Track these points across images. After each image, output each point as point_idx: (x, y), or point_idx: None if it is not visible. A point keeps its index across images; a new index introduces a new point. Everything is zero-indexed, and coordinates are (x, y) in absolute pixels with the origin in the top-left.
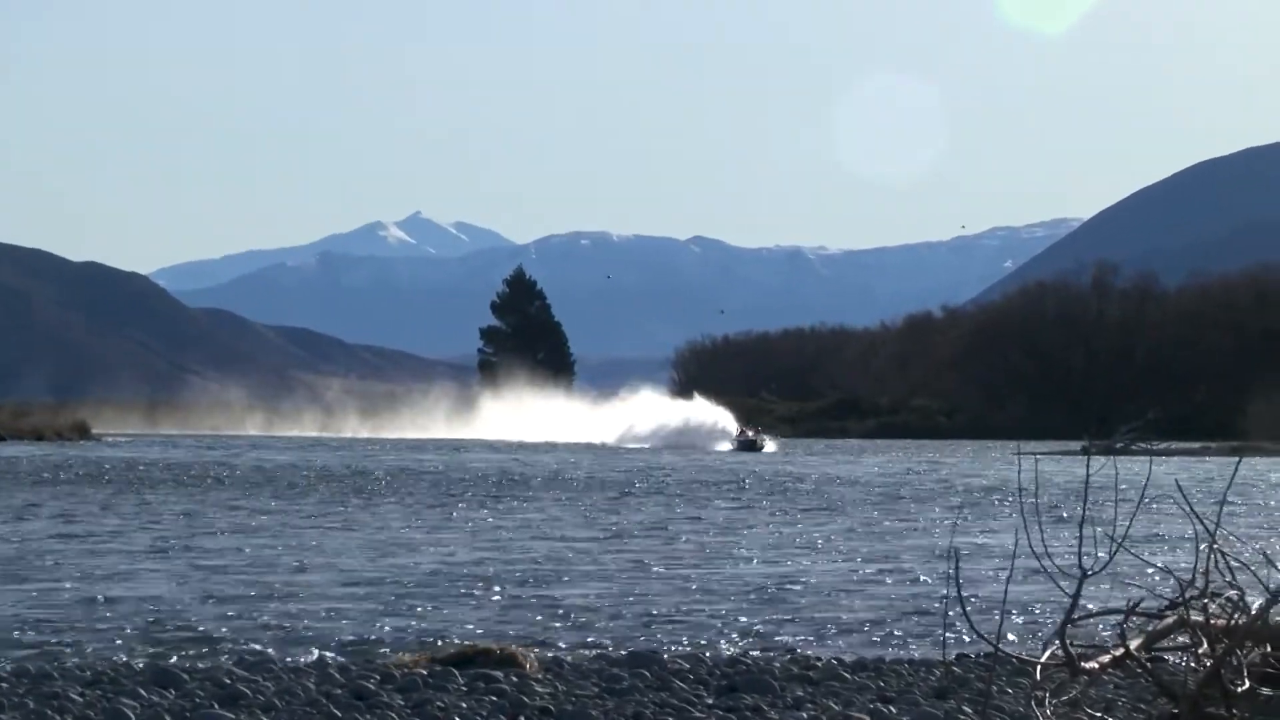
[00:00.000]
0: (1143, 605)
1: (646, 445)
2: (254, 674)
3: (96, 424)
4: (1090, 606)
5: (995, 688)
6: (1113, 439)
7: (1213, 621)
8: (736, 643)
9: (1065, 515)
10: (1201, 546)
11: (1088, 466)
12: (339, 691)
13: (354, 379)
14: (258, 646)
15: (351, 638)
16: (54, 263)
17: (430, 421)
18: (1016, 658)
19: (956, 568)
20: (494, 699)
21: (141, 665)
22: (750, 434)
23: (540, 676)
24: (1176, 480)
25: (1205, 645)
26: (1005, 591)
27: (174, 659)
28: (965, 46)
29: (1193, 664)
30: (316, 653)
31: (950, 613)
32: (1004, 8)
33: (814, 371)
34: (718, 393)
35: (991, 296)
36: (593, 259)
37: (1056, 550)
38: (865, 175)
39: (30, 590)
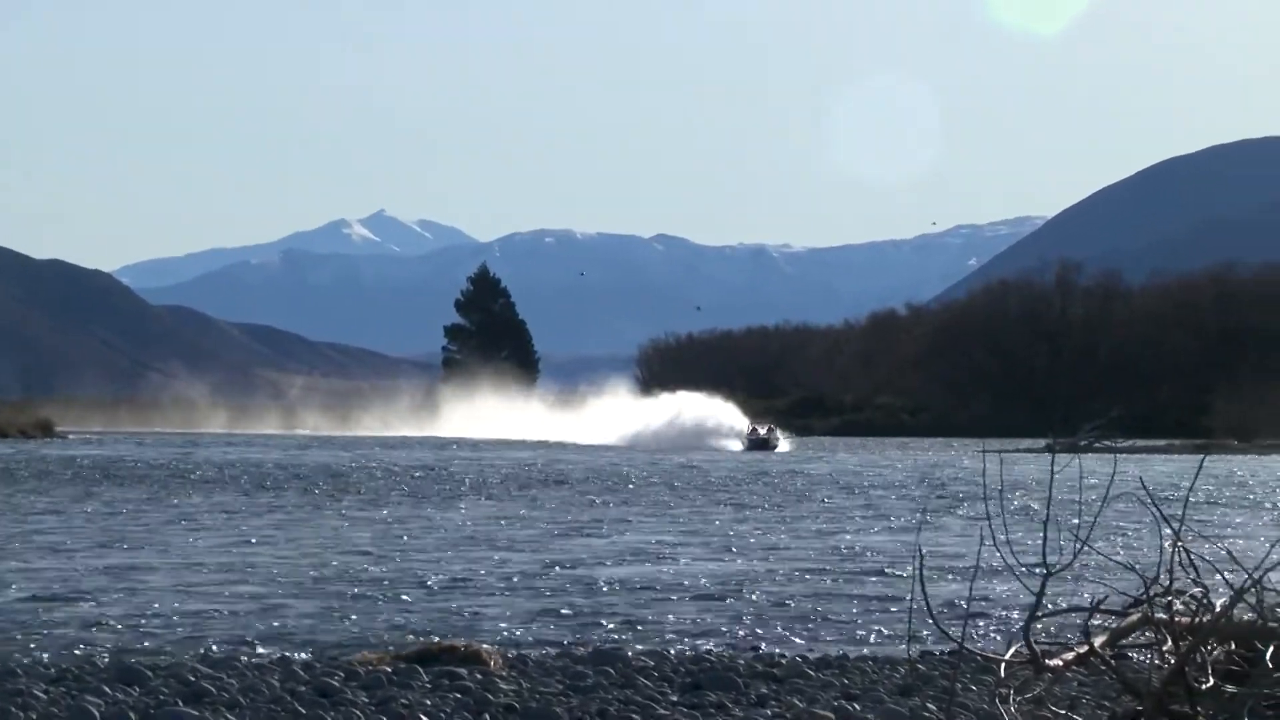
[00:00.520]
0: (1107, 603)
1: (651, 446)
2: (218, 671)
3: (60, 422)
4: (1055, 604)
5: (960, 685)
6: (1076, 437)
7: (1177, 619)
8: (701, 640)
9: (1030, 513)
10: (1166, 544)
11: (1052, 464)
12: (303, 689)
13: (318, 376)
14: (222, 643)
15: (315, 635)
16: (17, 260)
17: (395, 419)
18: (981, 655)
19: (921, 565)
20: (458, 696)
21: (106, 662)
22: (762, 431)
23: (505, 674)
24: (1141, 478)
25: (1169, 642)
26: (970, 589)
27: (139, 656)
28: (933, 45)
29: (1157, 661)
30: (281, 650)
31: (915, 610)
32: (977, 6)
33: (778, 369)
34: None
35: (955, 295)
36: (557, 256)
37: (1021, 548)
38: (830, 173)
39: None
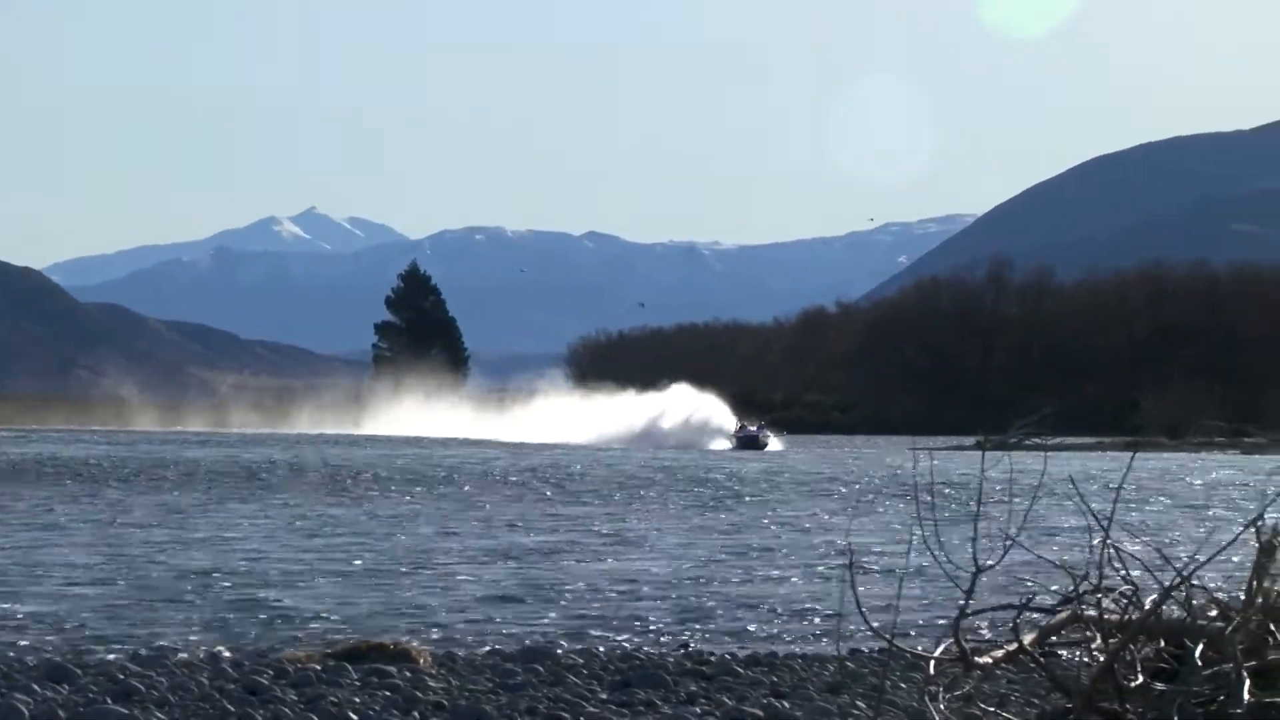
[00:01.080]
0: (1037, 600)
1: (628, 445)
2: (147, 669)
3: None
4: (985, 602)
5: (889, 682)
6: (1007, 434)
7: (1106, 616)
8: (630, 638)
9: (960, 510)
10: (1095, 541)
11: (982, 462)
12: (232, 687)
13: (248, 374)
14: (152, 641)
15: (245, 632)
16: None
17: (326, 417)
18: (910, 652)
19: (851, 563)
20: (387, 694)
21: (34, 660)
22: (752, 429)
23: (434, 671)
24: (1071, 475)
25: (1099, 640)
26: (899, 587)
27: (68, 654)
28: (859, 45)
29: (1086, 659)
30: (209, 648)
31: (844, 608)
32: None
33: (709, 366)
34: (611, 391)
35: (886, 292)
36: (487, 254)
37: (952, 546)
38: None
39: None
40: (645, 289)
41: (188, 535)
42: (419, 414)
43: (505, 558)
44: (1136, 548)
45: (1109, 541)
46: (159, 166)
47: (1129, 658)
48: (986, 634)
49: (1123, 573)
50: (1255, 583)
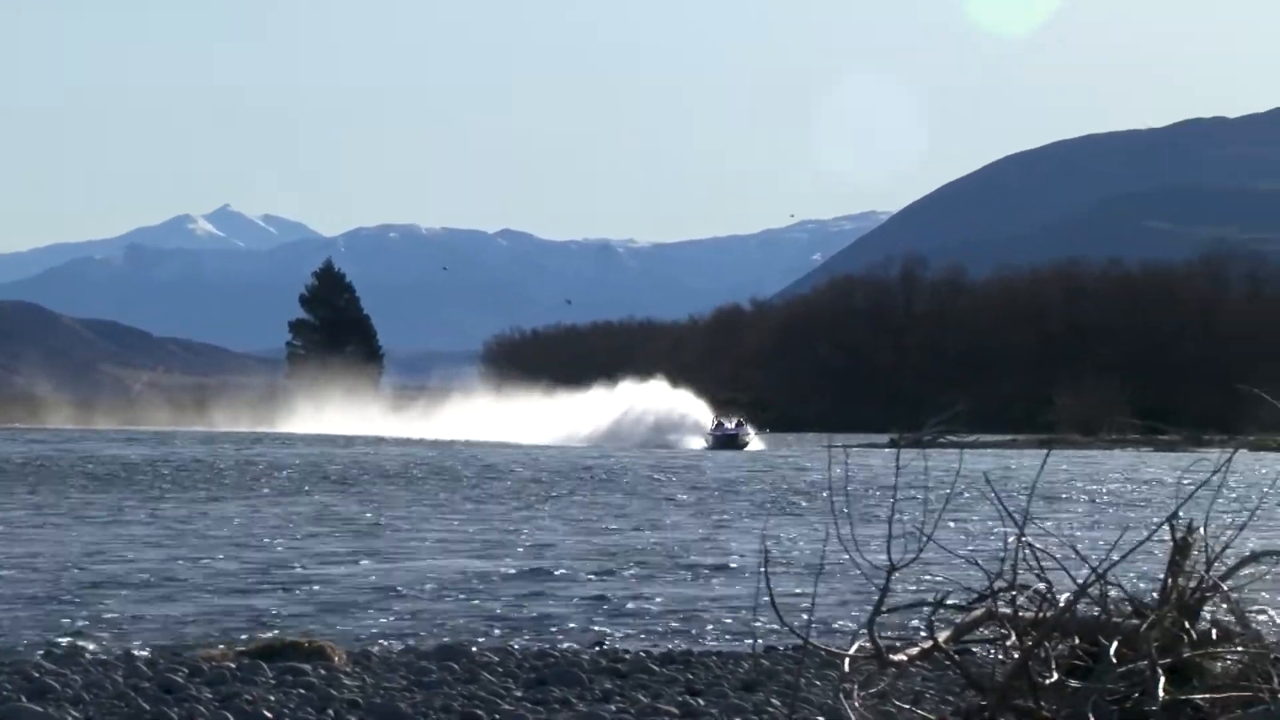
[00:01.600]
0: (952, 598)
1: (592, 444)
2: (62, 667)
3: None
4: (900, 599)
5: (804, 680)
6: (921, 432)
7: (1020, 614)
8: (545, 636)
9: (875, 508)
10: (1010, 539)
11: (897, 459)
12: (147, 685)
13: (162, 372)
14: (64, 640)
15: (158, 630)
16: None
17: (241, 415)
18: (825, 650)
19: (765, 560)
20: (302, 692)
21: None
22: (730, 426)
23: (348, 669)
24: (985, 473)
25: (1014, 637)
26: (815, 584)
27: None
28: (774, 44)
29: (1001, 656)
30: (124, 646)
31: (759, 605)
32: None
33: (623, 364)
34: (528, 386)
35: (800, 290)
36: (401, 251)
37: (867, 544)
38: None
39: None
40: (558, 286)
41: (103, 533)
42: (336, 412)
43: (418, 555)
44: (1051, 545)
45: (1024, 539)
46: (72, 164)
47: (1044, 655)
48: (902, 632)
49: (1037, 570)
50: (1170, 580)
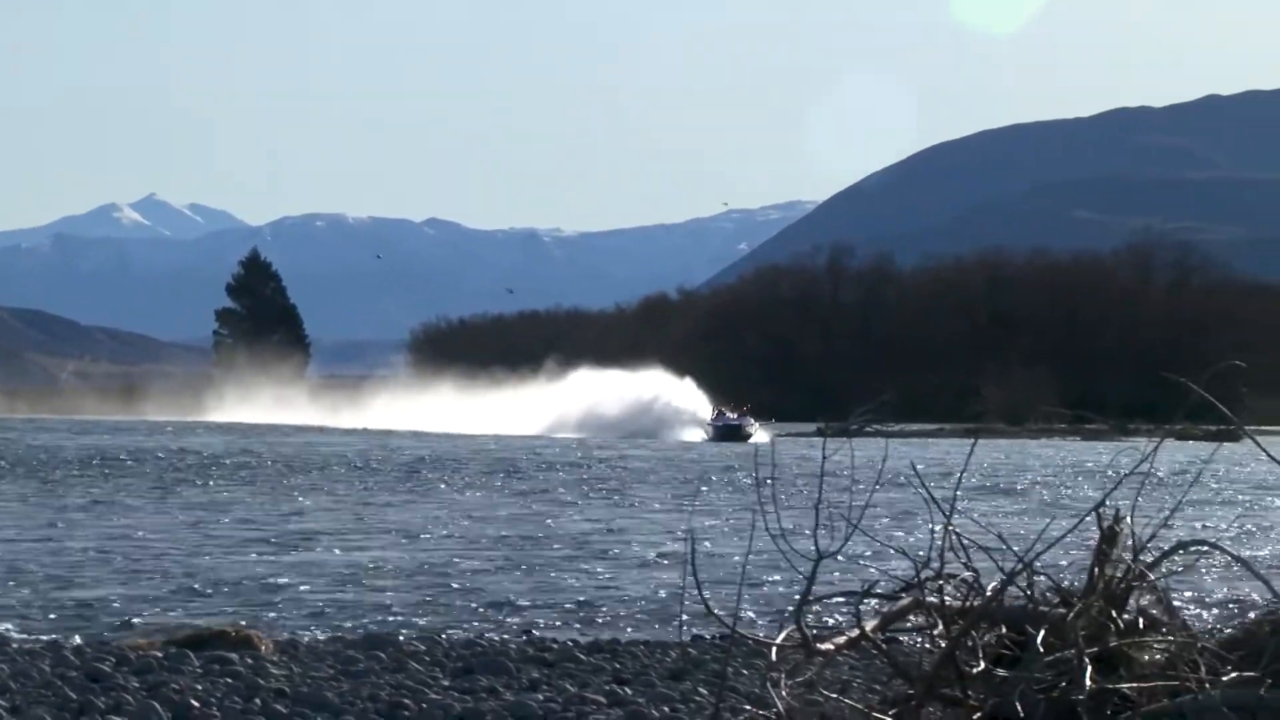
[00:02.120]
0: (879, 587)
1: (581, 434)
2: None
3: None
4: (828, 588)
5: (731, 669)
6: (848, 421)
7: (948, 603)
8: (473, 625)
9: (803, 497)
10: (937, 528)
11: (824, 449)
12: (74, 674)
13: (89, 361)
14: None
15: (86, 619)
16: None
17: (169, 404)
18: (753, 639)
19: (693, 549)
20: (229, 681)
21: None
22: (733, 417)
23: (275, 658)
24: (912, 462)
25: (941, 626)
26: (742, 573)
27: None
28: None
29: (928, 645)
30: (51, 635)
31: (687, 594)
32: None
33: (550, 354)
34: (455, 375)
35: (726, 279)
36: (328, 241)
37: (794, 532)
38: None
39: None
40: (485, 275)
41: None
42: (263, 401)
43: (346, 544)
44: (979, 534)
45: (951, 528)
46: None
47: (971, 644)
48: (829, 621)
49: (965, 559)
50: (1097, 569)
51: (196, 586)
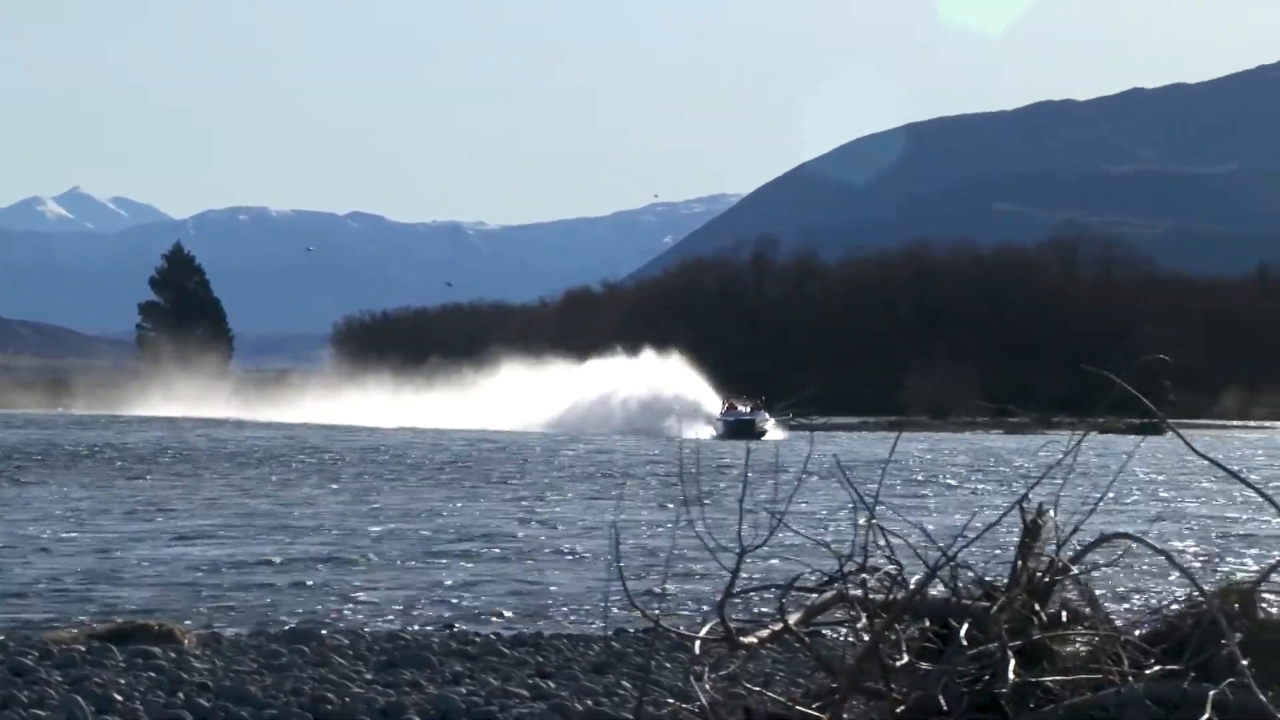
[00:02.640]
0: (803, 580)
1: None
2: None
3: None
4: (751, 582)
5: (655, 662)
6: (772, 414)
7: (871, 596)
8: (396, 619)
9: (726, 491)
10: (860, 522)
11: (747, 443)
12: None
13: (12, 354)
14: None
15: (6, 614)
16: None
17: (95, 397)
18: (676, 632)
19: (616, 544)
20: (153, 675)
21: None
22: (745, 411)
23: (199, 652)
24: (836, 456)
25: (864, 620)
26: (666, 567)
27: None
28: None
29: (852, 639)
30: None
31: (610, 588)
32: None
33: (474, 347)
34: (377, 371)
35: (651, 272)
36: (252, 234)
37: (718, 526)
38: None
39: None
40: (410, 269)
41: None
42: (185, 395)
43: (265, 539)
44: (902, 528)
45: (874, 522)
46: None
47: (894, 637)
48: (753, 614)
49: (888, 553)
50: (1020, 563)
51: (120, 579)
